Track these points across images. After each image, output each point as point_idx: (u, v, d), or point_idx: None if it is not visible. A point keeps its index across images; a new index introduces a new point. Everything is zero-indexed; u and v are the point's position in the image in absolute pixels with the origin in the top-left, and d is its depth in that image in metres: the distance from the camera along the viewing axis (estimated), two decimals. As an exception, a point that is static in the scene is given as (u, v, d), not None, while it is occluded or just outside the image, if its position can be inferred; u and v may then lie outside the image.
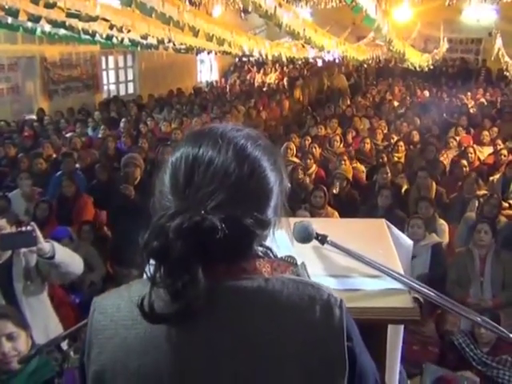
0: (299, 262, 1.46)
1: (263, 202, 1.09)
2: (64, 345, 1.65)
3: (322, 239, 1.65)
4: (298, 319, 1.06)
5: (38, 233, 3.23)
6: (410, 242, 2.10)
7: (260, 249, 1.17)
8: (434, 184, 7.03)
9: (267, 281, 1.08)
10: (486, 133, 9.77)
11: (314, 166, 7.93)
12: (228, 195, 1.04)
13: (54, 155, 9.03)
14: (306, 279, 1.19)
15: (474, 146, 8.99)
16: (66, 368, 1.80)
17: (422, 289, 1.59)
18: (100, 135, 10.59)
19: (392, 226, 2.06)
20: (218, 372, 1.04)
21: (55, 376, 1.85)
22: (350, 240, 1.71)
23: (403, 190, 7.29)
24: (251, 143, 1.11)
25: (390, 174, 7.17)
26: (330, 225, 2.23)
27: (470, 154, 8.26)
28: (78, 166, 8.29)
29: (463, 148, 8.86)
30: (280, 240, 1.26)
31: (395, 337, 1.79)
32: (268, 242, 1.18)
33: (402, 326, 1.86)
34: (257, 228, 1.06)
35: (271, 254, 1.24)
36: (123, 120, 11.44)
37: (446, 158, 8.70)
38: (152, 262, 1.02)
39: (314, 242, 1.67)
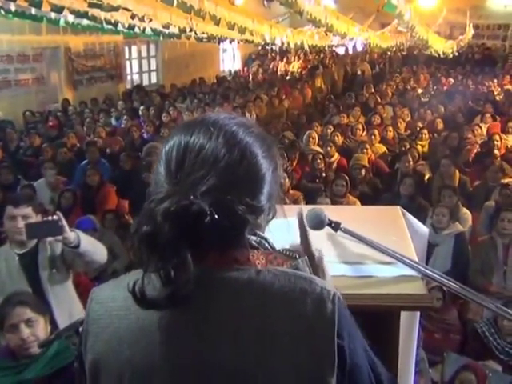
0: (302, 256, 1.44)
1: (254, 188, 1.09)
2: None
3: (335, 226, 1.65)
4: (288, 311, 1.05)
5: (64, 222, 3.28)
6: (425, 230, 2.09)
7: (254, 238, 1.17)
8: (457, 172, 6.95)
9: (258, 272, 1.07)
10: (512, 121, 9.60)
11: (336, 154, 7.90)
12: (218, 180, 1.04)
13: (78, 144, 9.13)
14: (299, 272, 1.16)
15: (501, 134, 8.84)
16: (84, 352, 1.82)
17: (436, 276, 1.58)
18: (123, 125, 10.67)
19: (407, 214, 2.04)
20: (204, 363, 1.04)
21: (75, 360, 1.88)
22: (363, 227, 1.70)
23: (426, 178, 7.22)
24: (243, 130, 1.11)
25: (412, 162, 7.10)
26: (345, 212, 2.23)
27: (496, 142, 8.13)
28: (108, 151, 8.50)
29: (489, 136, 8.73)
30: (277, 230, 1.25)
31: (410, 323, 1.79)
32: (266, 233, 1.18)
33: (418, 313, 1.85)
34: (248, 214, 1.05)
35: (267, 245, 1.23)
36: (141, 108, 11.50)
37: (472, 146, 8.57)
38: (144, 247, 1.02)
39: (328, 229, 1.67)
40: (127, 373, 1.08)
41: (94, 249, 3.50)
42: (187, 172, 1.05)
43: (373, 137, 8.49)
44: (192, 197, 1.01)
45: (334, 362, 1.04)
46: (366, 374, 1.11)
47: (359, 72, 17.75)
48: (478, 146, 8.39)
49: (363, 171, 6.98)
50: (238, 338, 1.04)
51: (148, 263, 1.02)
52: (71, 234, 3.31)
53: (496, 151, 7.63)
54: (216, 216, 1.00)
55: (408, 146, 8.15)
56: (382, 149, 8.34)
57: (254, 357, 1.04)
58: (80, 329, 1.83)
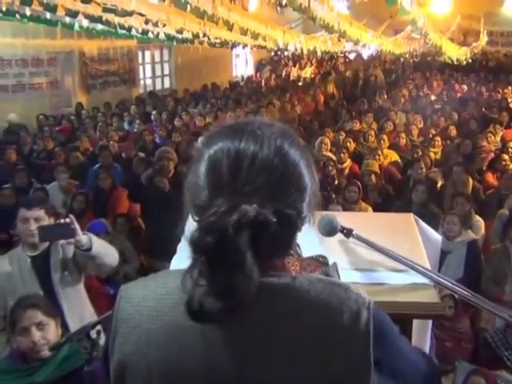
0: (331, 262, 1.44)
1: (301, 198, 1.10)
2: (93, 333, 1.68)
3: (348, 233, 1.64)
4: (323, 320, 1.05)
5: (76, 225, 3.29)
6: (438, 237, 2.08)
7: None
8: (470, 180, 6.91)
9: (294, 279, 1.07)
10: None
11: (348, 160, 7.88)
12: (275, 190, 1.05)
13: (91, 148, 9.18)
14: (334, 279, 1.17)
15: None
16: (95, 356, 1.83)
17: (448, 284, 1.57)
18: (135, 129, 10.72)
19: (420, 221, 2.03)
20: (240, 370, 1.04)
21: (85, 364, 1.88)
22: (376, 234, 1.69)
23: (439, 186, 7.18)
24: (288, 140, 1.12)
25: (425, 169, 7.06)
26: (357, 219, 2.22)
27: (510, 149, 8.07)
28: (123, 155, 8.58)
29: (503, 143, 8.66)
30: (308, 238, 1.26)
31: (422, 332, 1.77)
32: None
33: (430, 321, 1.84)
34: (300, 223, 1.08)
35: (299, 251, 1.24)
36: (153, 113, 11.55)
37: (487, 154, 8.51)
38: (197, 258, 1.02)
39: (340, 236, 1.66)
40: (156, 375, 1.07)
41: (106, 252, 3.51)
42: (244, 181, 1.05)
43: (382, 142, 8.45)
44: (257, 207, 1.01)
45: (369, 371, 1.04)
46: (403, 376, 1.13)
47: (372, 78, 17.71)
48: (492, 154, 8.33)
49: (373, 177, 6.94)
50: (272, 345, 1.04)
51: (211, 275, 1.00)
52: (83, 237, 3.32)
53: (506, 156, 7.55)
54: (278, 226, 1.02)
55: (421, 153, 8.11)
56: (395, 156, 8.30)
57: (287, 365, 1.03)
58: (90, 332, 1.83)
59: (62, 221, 3.34)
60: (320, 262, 1.30)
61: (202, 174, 1.09)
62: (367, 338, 1.04)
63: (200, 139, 1.17)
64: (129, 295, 1.14)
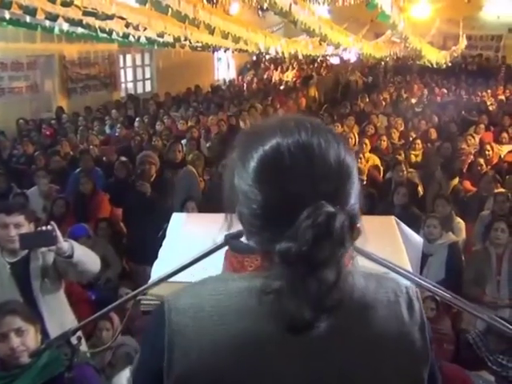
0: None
1: (356, 198, 1.08)
2: (74, 339, 1.66)
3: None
4: (386, 314, 1.06)
5: (58, 232, 3.25)
6: (419, 240, 2.09)
7: None
8: (450, 182, 6.97)
9: (352, 275, 1.06)
10: (505, 131, 9.67)
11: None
12: (347, 189, 1.04)
13: (72, 153, 9.11)
14: (378, 272, 1.17)
15: (493, 144, 8.88)
16: (75, 362, 1.80)
17: (429, 286, 1.57)
18: (117, 133, 10.66)
19: (401, 223, 2.04)
20: (319, 372, 1.03)
21: (65, 370, 1.86)
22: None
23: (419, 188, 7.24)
24: (333, 135, 1.10)
25: (406, 172, 7.11)
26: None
27: (487, 152, 8.17)
28: (104, 159, 8.55)
29: (481, 145, 8.77)
30: None
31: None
32: None
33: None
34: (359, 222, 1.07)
35: None
36: (138, 119, 11.50)
37: (466, 156, 8.60)
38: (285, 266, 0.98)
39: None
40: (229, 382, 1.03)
41: (88, 258, 3.48)
42: (317, 181, 1.02)
43: (364, 145, 8.49)
44: (339, 208, 0.99)
45: (428, 357, 1.08)
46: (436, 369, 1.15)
47: (352, 82, 17.84)
48: (471, 156, 8.42)
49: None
50: (347, 345, 1.04)
51: (295, 283, 0.98)
52: (65, 244, 3.29)
53: (481, 160, 7.64)
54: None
55: (402, 156, 8.17)
56: (376, 159, 8.34)
57: (368, 364, 1.04)
58: (71, 338, 1.81)
59: (44, 228, 3.31)
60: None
61: (250, 170, 1.05)
62: (423, 325, 1.09)
63: (237, 142, 1.13)
64: (179, 306, 1.07)
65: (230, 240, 1.19)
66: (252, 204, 1.04)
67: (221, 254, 1.31)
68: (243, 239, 1.15)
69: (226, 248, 1.20)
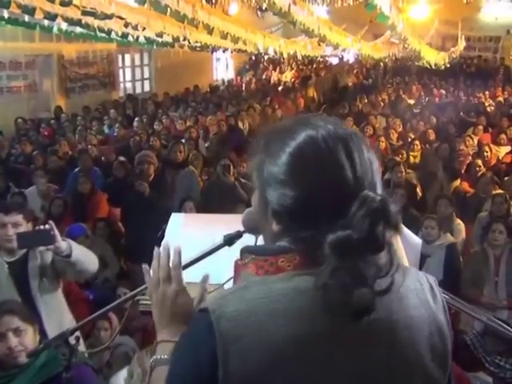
0: None
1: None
2: (72, 339, 1.66)
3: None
4: (418, 302, 1.11)
5: (56, 232, 3.25)
6: (418, 241, 2.09)
7: None
8: (451, 183, 6.99)
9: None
10: (503, 132, 9.68)
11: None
12: (375, 179, 1.09)
13: (70, 152, 9.09)
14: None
15: (491, 145, 8.89)
16: (73, 362, 1.80)
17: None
18: (115, 133, 10.65)
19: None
20: (373, 363, 1.06)
21: (63, 370, 1.86)
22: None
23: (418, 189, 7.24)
24: None
25: (404, 173, 7.11)
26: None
27: (485, 153, 8.17)
28: (103, 159, 8.54)
29: (479, 147, 8.78)
30: None
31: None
32: None
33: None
34: None
35: None
36: (137, 119, 11.49)
37: (465, 157, 8.61)
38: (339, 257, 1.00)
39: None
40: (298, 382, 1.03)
41: (86, 258, 3.47)
42: (363, 171, 1.07)
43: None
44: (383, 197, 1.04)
45: (450, 338, 1.14)
46: None
47: (350, 83, 17.86)
48: (470, 157, 8.42)
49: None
50: (392, 329, 1.07)
51: (362, 268, 1.01)
52: (63, 244, 3.28)
53: (479, 161, 7.65)
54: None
55: (400, 157, 8.17)
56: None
57: (408, 345, 1.08)
58: (69, 338, 1.81)
59: (42, 227, 3.30)
60: None
61: (281, 163, 1.08)
62: (445, 308, 1.16)
63: (261, 142, 1.15)
64: (228, 313, 1.03)
65: (252, 247, 1.20)
66: (288, 200, 1.06)
67: (221, 255, 1.31)
68: (258, 241, 1.21)
69: (235, 259, 1.20)
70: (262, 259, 1.12)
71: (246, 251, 1.17)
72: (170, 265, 1.27)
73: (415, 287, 1.12)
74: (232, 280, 1.28)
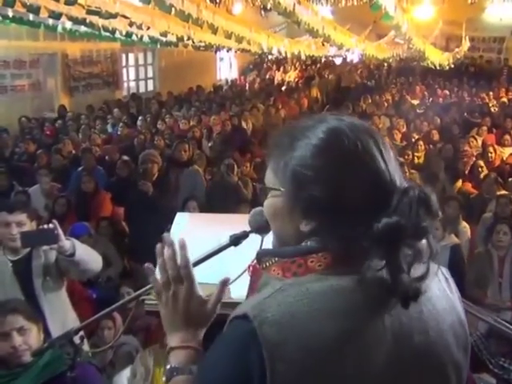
0: None
1: None
2: (76, 338, 1.65)
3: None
4: (438, 292, 1.13)
5: (60, 231, 3.25)
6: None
7: None
8: (455, 184, 6.98)
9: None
10: (508, 133, 9.65)
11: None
12: (399, 168, 1.11)
13: (74, 151, 9.10)
14: None
15: (496, 146, 8.86)
16: (78, 361, 1.80)
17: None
18: (119, 132, 10.65)
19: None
20: (420, 356, 1.08)
21: (68, 369, 1.86)
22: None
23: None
24: None
25: (408, 173, 7.10)
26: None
27: (489, 154, 8.16)
28: (106, 158, 8.53)
29: (483, 148, 8.76)
30: None
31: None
32: None
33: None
34: None
35: None
36: (140, 118, 11.50)
37: (469, 158, 8.59)
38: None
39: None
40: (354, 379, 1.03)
41: (89, 257, 3.48)
42: (388, 159, 1.08)
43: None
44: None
45: (467, 325, 1.17)
46: None
47: (353, 83, 17.84)
48: (473, 158, 8.40)
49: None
50: (423, 318, 1.08)
51: (408, 255, 1.03)
52: (66, 243, 3.28)
53: (481, 162, 7.64)
54: None
55: (406, 158, 8.16)
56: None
57: (436, 333, 1.10)
58: (73, 337, 1.81)
59: (45, 226, 3.31)
60: None
61: (308, 153, 1.08)
62: (460, 297, 1.19)
63: (285, 136, 1.14)
64: (270, 318, 1.01)
65: (271, 250, 1.17)
66: (323, 196, 1.05)
67: (226, 254, 1.30)
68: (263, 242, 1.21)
69: (251, 263, 1.20)
70: (287, 261, 1.10)
71: (264, 254, 1.15)
72: (178, 262, 1.23)
73: (433, 278, 1.12)
74: (248, 286, 1.24)
